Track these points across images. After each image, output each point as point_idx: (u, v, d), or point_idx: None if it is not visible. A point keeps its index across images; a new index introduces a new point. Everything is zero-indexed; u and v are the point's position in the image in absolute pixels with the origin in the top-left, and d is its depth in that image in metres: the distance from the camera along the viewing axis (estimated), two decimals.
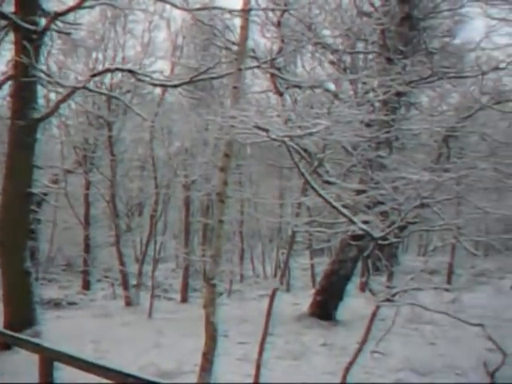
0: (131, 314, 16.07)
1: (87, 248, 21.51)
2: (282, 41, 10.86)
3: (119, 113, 19.40)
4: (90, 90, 14.30)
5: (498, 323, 11.50)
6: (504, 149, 12.54)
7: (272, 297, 7.92)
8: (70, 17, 13.22)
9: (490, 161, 9.93)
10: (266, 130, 5.99)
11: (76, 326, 13.11)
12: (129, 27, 19.11)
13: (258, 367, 7.53)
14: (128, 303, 17.80)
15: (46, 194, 16.35)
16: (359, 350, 6.79)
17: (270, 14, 11.85)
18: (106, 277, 21.07)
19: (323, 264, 18.47)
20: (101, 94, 17.01)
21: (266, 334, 7.69)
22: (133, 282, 18.70)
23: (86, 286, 21.52)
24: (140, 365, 8.43)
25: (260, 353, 7.58)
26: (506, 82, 14.00)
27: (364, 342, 6.80)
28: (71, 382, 5.45)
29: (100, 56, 18.81)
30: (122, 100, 16.22)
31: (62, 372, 5.18)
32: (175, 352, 10.17)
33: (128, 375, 4.02)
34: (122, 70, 15.08)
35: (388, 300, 6.80)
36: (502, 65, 11.90)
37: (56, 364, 4.95)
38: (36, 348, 5.10)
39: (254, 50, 10.98)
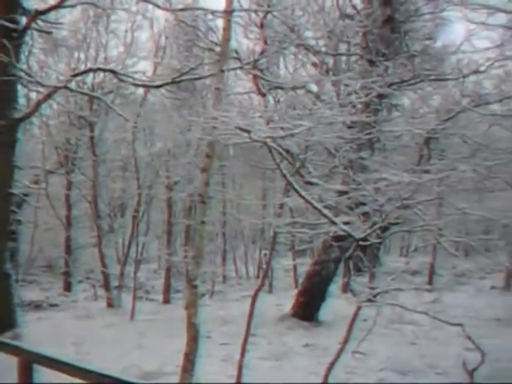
0: (113, 315, 15.96)
1: (68, 249, 21.32)
2: (265, 42, 10.90)
3: (101, 113, 19.30)
4: (72, 90, 14.19)
5: (478, 323, 11.67)
6: (484, 151, 12.72)
7: (254, 298, 7.93)
8: (52, 16, 13.09)
9: (470, 162, 10.06)
10: (248, 131, 6.00)
11: (57, 328, 12.98)
12: (111, 27, 19.00)
13: (240, 368, 7.53)
14: (110, 304, 17.68)
15: (26, 195, 16.20)
16: (341, 350, 6.82)
17: (253, 15, 11.88)
18: (88, 278, 20.90)
19: (306, 265, 18.52)
20: (82, 94, 16.90)
21: (247, 334, 7.69)
22: (115, 283, 18.57)
23: (68, 287, 21.35)
24: (122, 366, 8.40)
25: (242, 354, 7.58)
26: (486, 85, 14.20)
27: (346, 342, 6.84)
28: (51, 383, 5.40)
29: (82, 56, 18.69)
30: (103, 100, 16.12)
31: (42, 374, 5.13)
32: (157, 353, 10.13)
33: (109, 377, 3.99)
34: (104, 70, 14.97)
35: (369, 300, 6.85)
36: (482, 68, 12.07)
37: (36, 366, 4.90)
38: (15, 350, 5.04)
39: (236, 51, 11.00)
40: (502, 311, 13.91)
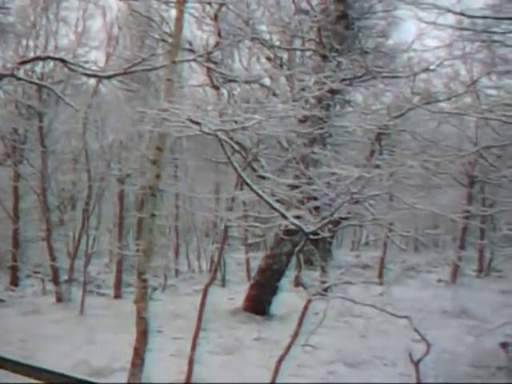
0: (62, 310, 15.64)
1: (16, 242, 20.70)
2: (219, 35, 10.82)
3: (51, 103, 18.78)
4: (19, 79, 13.72)
5: (425, 315, 11.97)
6: (433, 147, 13.04)
7: (205, 291, 7.89)
8: None
9: (419, 158, 10.27)
10: (198, 124, 5.95)
11: (3, 324, 12.61)
12: (62, 15, 18.45)
13: (191, 363, 7.48)
14: (59, 299, 17.28)
15: None
16: (291, 344, 6.88)
17: (208, 7, 11.78)
18: (36, 272, 20.41)
19: (259, 259, 18.57)
20: (31, 82, 16.38)
21: (198, 329, 7.65)
22: (64, 277, 18.18)
23: (15, 282, 20.73)
24: (71, 362, 8.27)
25: (193, 348, 7.54)
26: (436, 84, 14.55)
27: (296, 335, 6.91)
28: None
29: (31, 43, 18.09)
30: (53, 90, 15.66)
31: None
32: (107, 349, 9.99)
33: (58, 375, 3.89)
34: (53, 59, 14.52)
35: (320, 294, 6.93)
36: (432, 66, 12.35)
37: None
38: None
39: (190, 43, 10.89)
40: (448, 303, 14.31)
